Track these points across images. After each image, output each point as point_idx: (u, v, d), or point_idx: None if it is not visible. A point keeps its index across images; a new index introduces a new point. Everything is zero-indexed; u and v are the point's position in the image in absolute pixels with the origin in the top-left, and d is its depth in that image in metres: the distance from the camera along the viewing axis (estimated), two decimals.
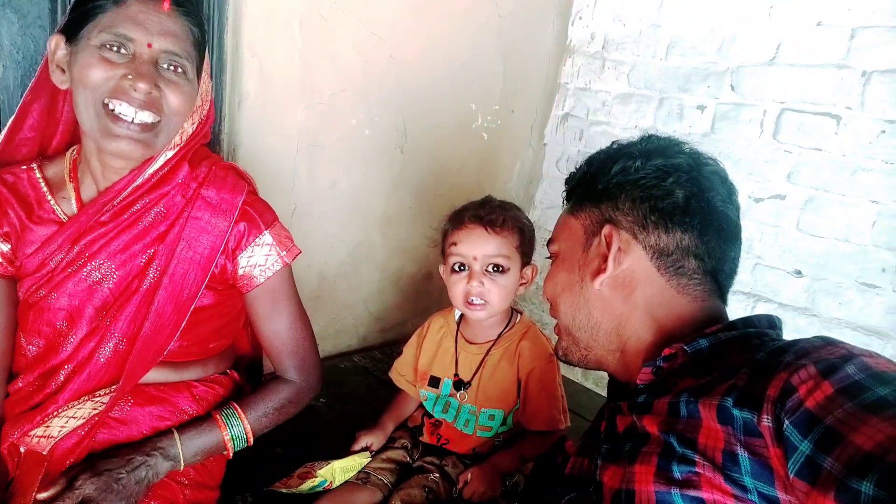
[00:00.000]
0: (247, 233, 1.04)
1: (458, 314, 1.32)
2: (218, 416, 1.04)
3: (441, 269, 1.26)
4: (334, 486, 1.17)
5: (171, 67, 0.91)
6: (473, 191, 2.15)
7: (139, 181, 0.97)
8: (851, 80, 1.51)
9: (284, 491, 1.15)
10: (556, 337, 0.92)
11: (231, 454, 1.05)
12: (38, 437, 0.95)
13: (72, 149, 1.01)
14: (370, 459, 1.23)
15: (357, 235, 1.86)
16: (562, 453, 1.26)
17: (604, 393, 2.04)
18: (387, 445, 1.28)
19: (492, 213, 1.17)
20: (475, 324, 1.26)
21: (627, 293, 0.80)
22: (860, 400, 0.51)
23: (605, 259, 0.80)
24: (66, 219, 0.97)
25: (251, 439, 1.06)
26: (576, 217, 0.87)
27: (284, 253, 1.08)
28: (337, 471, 1.18)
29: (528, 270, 1.23)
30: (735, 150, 1.73)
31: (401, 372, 1.37)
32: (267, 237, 1.06)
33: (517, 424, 1.25)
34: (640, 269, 0.79)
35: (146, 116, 0.89)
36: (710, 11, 1.79)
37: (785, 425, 0.54)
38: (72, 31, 0.90)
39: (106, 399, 0.97)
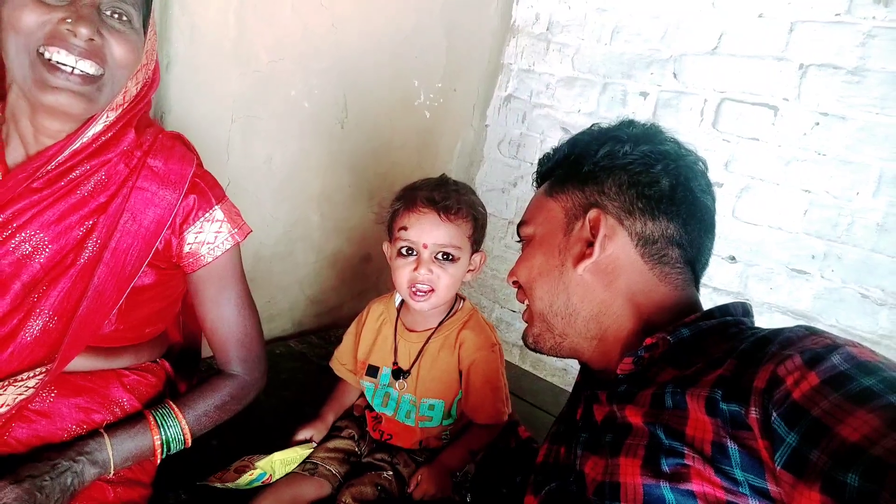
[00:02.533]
0: (196, 207, 0.96)
1: (398, 300, 1.26)
2: (151, 417, 0.95)
3: (385, 246, 1.19)
4: (274, 479, 1.10)
5: (116, 14, 0.81)
6: (414, 170, 2.10)
7: (77, 145, 0.86)
8: (789, 73, 1.56)
9: (220, 486, 1.07)
10: (526, 324, 0.88)
11: (159, 460, 0.96)
12: None
13: None
14: (313, 450, 1.16)
15: (293, 214, 1.76)
16: (515, 438, 1.24)
17: (542, 375, 2.06)
18: (332, 435, 1.21)
19: (447, 199, 1.11)
20: (415, 311, 1.21)
21: (610, 280, 0.78)
22: (846, 391, 0.51)
23: (589, 244, 0.78)
24: None
25: (189, 440, 0.98)
26: (555, 199, 0.83)
27: (236, 230, 1.01)
28: (277, 463, 1.10)
29: (476, 258, 1.18)
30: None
31: (341, 361, 1.30)
32: (218, 212, 0.98)
33: (462, 416, 1.21)
34: (625, 255, 0.77)
35: (88, 67, 0.79)
36: None
37: (773, 417, 0.53)
38: None
39: (32, 383, 0.87)
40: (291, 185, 1.72)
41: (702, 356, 0.67)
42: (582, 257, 0.78)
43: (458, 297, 1.24)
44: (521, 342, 2.11)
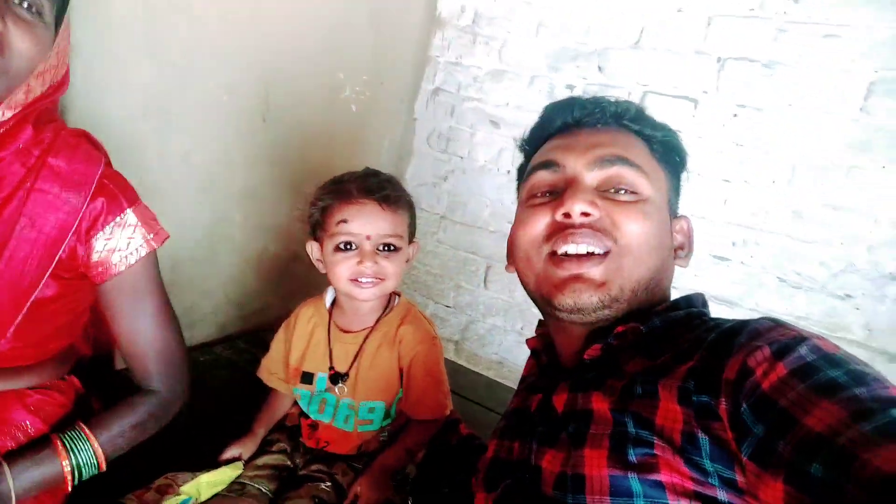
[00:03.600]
0: (105, 210, 0.87)
1: (329, 301, 1.20)
2: (59, 441, 0.86)
3: (311, 247, 1.14)
4: (199, 501, 1.02)
5: (25, 4, 0.72)
6: (342, 166, 2.00)
7: None
8: (708, 66, 1.61)
9: None
10: (592, 277, 0.71)
11: (70, 487, 0.87)
12: None
13: None
14: (243, 470, 1.09)
15: (214, 214, 1.67)
16: (456, 435, 1.22)
17: (478, 370, 2.05)
18: (262, 450, 1.15)
19: (383, 188, 1.07)
20: (349, 309, 1.16)
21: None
22: (812, 382, 0.51)
23: (685, 243, 0.82)
24: None
25: (103, 465, 0.89)
26: (664, 173, 0.79)
27: (151, 236, 0.93)
28: (203, 485, 1.03)
29: (412, 248, 1.15)
30: None
31: (271, 370, 1.23)
32: (130, 216, 0.90)
33: (401, 415, 1.18)
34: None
35: None
36: None
37: (742, 408, 0.53)
38: None
39: None
40: (211, 183, 1.63)
41: (670, 346, 0.67)
42: (679, 258, 0.81)
43: (393, 294, 1.20)
44: (456, 337, 2.11)
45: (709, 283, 1.67)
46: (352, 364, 1.14)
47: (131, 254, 0.91)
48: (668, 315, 0.71)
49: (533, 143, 0.88)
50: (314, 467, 1.11)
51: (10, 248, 0.80)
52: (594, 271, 0.70)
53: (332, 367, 1.15)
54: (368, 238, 1.06)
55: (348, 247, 1.07)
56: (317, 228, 1.13)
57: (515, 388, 1.93)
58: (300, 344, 1.19)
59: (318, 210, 1.11)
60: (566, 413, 0.70)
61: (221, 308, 1.81)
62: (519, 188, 0.88)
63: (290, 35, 1.67)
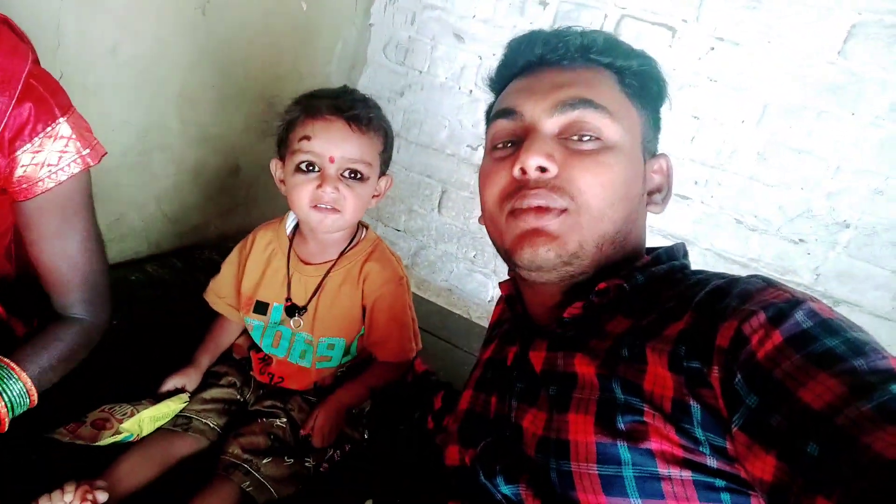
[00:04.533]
0: (33, 119, 0.76)
1: (290, 227, 1.10)
2: None
3: (274, 165, 1.03)
4: (141, 437, 0.95)
5: None
6: (289, 72, 1.86)
7: None
8: None
9: (71, 441, 0.90)
10: (548, 230, 0.67)
11: (6, 426, 0.78)
12: None
13: None
14: (188, 402, 1.01)
15: (147, 118, 1.49)
16: (412, 372, 1.17)
17: (427, 297, 2.00)
18: (210, 383, 1.07)
19: (355, 108, 0.96)
20: (312, 239, 1.07)
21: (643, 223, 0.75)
22: (808, 352, 0.48)
23: (664, 185, 0.75)
24: None
25: (35, 399, 0.82)
26: (637, 110, 0.72)
27: (87, 151, 0.82)
28: (146, 421, 0.95)
29: (383, 182, 1.06)
30: None
31: (219, 294, 1.14)
32: (63, 127, 0.79)
33: (362, 351, 1.12)
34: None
35: None
36: None
37: (736, 378, 0.51)
38: None
39: None
40: (145, 83, 1.44)
41: (654, 303, 0.63)
42: (651, 203, 0.74)
43: (361, 226, 1.11)
44: (405, 262, 2.04)
45: (668, 221, 1.66)
46: (311, 298, 1.06)
47: (62, 170, 0.80)
48: (651, 270, 0.68)
49: (498, 84, 0.82)
50: (267, 403, 1.04)
51: None
52: (551, 225, 0.66)
53: (289, 299, 1.06)
54: (332, 160, 0.96)
55: (310, 168, 0.97)
56: (281, 145, 1.01)
57: (466, 316, 1.91)
58: (255, 270, 1.09)
59: (284, 124, 1.00)
60: (545, 372, 0.67)
61: (154, 222, 1.66)
62: (485, 135, 0.81)
63: None
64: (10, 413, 0.78)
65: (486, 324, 1.89)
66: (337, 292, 1.06)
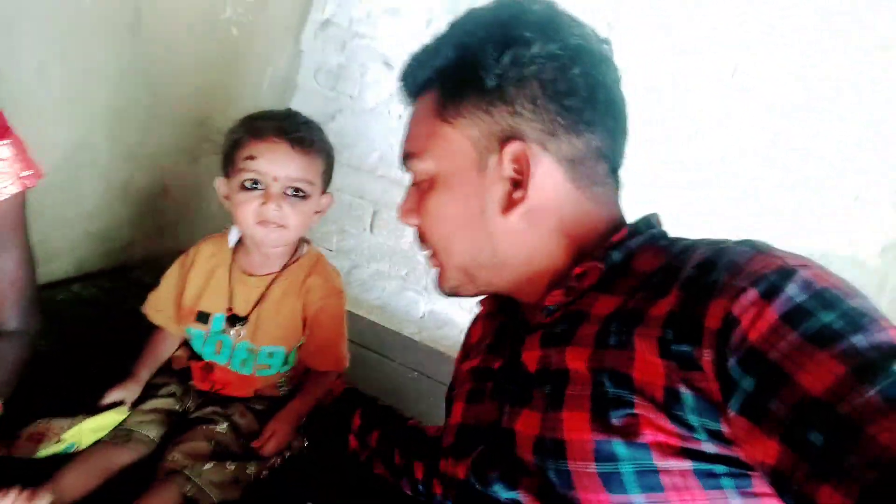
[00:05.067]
0: None
1: (233, 241, 1.14)
2: None
3: (218, 182, 1.07)
4: (81, 448, 0.95)
5: None
6: (220, 94, 1.89)
7: None
8: None
9: (9, 455, 0.90)
10: (436, 270, 0.76)
11: None
12: None
13: None
14: (129, 414, 1.02)
15: (75, 136, 1.48)
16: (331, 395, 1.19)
17: (361, 314, 2.04)
18: (149, 394, 1.07)
19: (299, 130, 1.02)
20: (255, 252, 1.11)
21: (541, 219, 0.67)
22: (804, 329, 0.47)
23: (514, 184, 0.66)
24: None
25: None
26: (453, 125, 0.68)
27: (28, 173, 0.86)
28: (86, 432, 0.95)
29: (324, 199, 1.12)
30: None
31: (158, 307, 1.15)
32: (4, 150, 0.83)
33: (299, 363, 1.16)
34: (553, 187, 0.66)
35: None
36: None
37: (729, 363, 0.49)
38: None
39: None
40: (72, 102, 1.43)
41: (636, 278, 0.62)
42: (511, 203, 0.66)
43: (302, 241, 1.16)
44: None
45: None
46: (253, 308, 1.10)
47: (1, 191, 0.83)
48: (628, 245, 0.66)
49: None
50: (208, 409, 1.06)
51: None
52: (432, 263, 0.75)
53: (230, 309, 1.10)
54: (276, 179, 1.01)
55: (254, 185, 1.02)
56: (226, 163, 1.05)
57: (399, 331, 1.95)
58: (198, 282, 1.12)
59: (229, 143, 1.04)
60: (540, 372, 0.65)
61: (81, 242, 1.63)
62: None
63: None
64: None
65: (417, 338, 1.96)
66: (279, 302, 1.10)
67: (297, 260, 1.14)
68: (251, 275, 1.12)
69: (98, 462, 0.93)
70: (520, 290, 0.73)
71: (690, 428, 0.52)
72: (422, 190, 0.71)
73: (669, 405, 0.53)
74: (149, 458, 0.99)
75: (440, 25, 1.78)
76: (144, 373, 1.09)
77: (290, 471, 1.07)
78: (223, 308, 1.10)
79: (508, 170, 0.66)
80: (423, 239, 0.74)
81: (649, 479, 0.54)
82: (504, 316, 0.81)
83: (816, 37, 1.55)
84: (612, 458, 0.55)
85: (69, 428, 0.94)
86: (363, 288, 2.07)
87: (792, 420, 0.45)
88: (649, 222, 0.69)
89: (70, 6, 1.33)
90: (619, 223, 0.71)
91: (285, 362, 1.13)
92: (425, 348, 1.87)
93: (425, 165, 0.70)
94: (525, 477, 0.62)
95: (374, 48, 1.96)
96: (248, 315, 1.10)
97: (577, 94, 0.64)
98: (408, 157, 0.72)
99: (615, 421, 0.55)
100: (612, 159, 0.70)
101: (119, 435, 0.98)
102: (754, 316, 0.49)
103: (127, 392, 1.04)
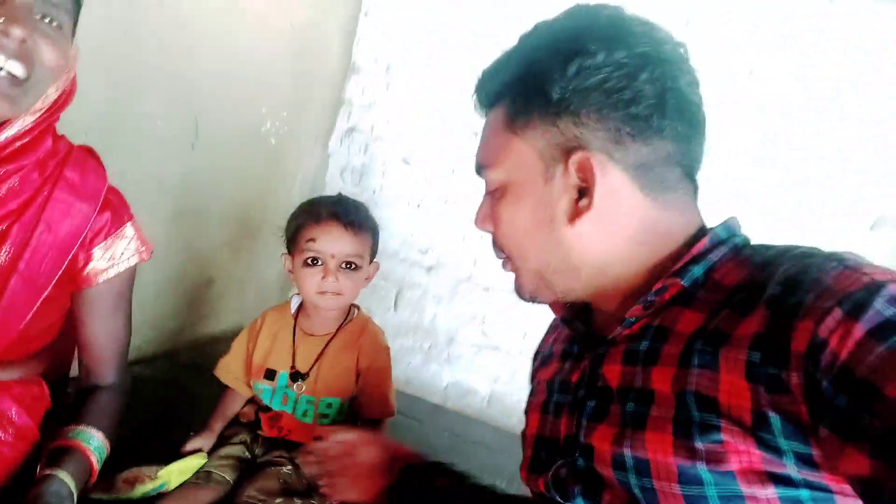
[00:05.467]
0: (109, 223, 0.97)
1: (294, 307, 1.34)
2: (78, 443, 0.93)
3: (285, 259, 1.28)
4: (170, 489, 1.10)
5: (47, 19, 0.80)
6: (259, 194, 2.15)
7: None
8: None
9: (106, 497, 1.05)
10: (514, 275, 0.77)
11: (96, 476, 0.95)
12: None
13: None
14: (207, 460, 1.18)
15: (143, 233, 1.71)
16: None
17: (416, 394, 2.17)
18: (223, 443, 1.24)
19: (349, 213, 1.24)
20: (315, 316, 1.31)
21: (610, 226, 0.67)
22: (891, 343, 0.47)
23: (580, 193, 0.67)
24: None
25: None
26: (521, 136, 0.69)
27: (143, 249, 1.03)
28: (174, 473, 1.12)
29: (371, 268, 1.33)
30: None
31: (228, 369, 1.33)
32: (129, 229, 1.00)
33: (350, 414, 1.33)
34: (622, 195, 0.66)
35: (17, 68, 0.76)
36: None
37: (823, 384, 0.49)
38: None
39: None
40: (142, 203, 1.66)
41: (719, 293, 0.62)
42: (577, 212, 0.67)
43: (353, 306, 1.37)
44: None
45: None
46: (314, 363, 1.28)
47: (123, 263, 0.99)
48: (709, 259, 0.65)
49: None
50: (276, 453, 1.22)
51: (30, 249, 0.86)
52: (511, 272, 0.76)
53: (293, 366, 1.28)
54: (332, 256, 1.23)
55: (315, 262, 1.23)
56: (290, 244, 1.28)
57: (421, 397, 2.08)
58: (265, 343, 1.31)
59: (292, 228, 1.27)
60: (622, 389, 0.65)
61: (137, 329, 1.81)
62: None
63: (220, 72, 1.78)
64: (98, 463, 0.93)
65: (443, 404, 2.10)
66: (336, 357, 1.29)
67: (349, 321, 1.33)
68: (311, 335, 1.31)
69: (185, 499, 1.08)
70: (598, 297, 0.74)
71: (779, 452, 0.53)
72: (494, 198, 0.74)
73: (757, 429, 0.53)
74: (225, 497, 1.14)
75: (455, 124, 2.07)
76: (218, 425, 1.27)
77: None
78: (287, 366, 1.29)
79: (574, 179, 0.67)
80: (497, 245, 0.76)
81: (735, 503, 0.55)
82: (576, 324, 0.81)
83: (815, 38, 1.71)
84: (697, 481, 0.56)
85: (158, 471, 1.10)
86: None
87: (882, 432, 0.45)
88: (730, 229, 0.68)
89: (146, 126, 1.60)
90: (698, 230, 0.70)
91: (340, 412, 1.29)
92: (451, 412, 2.02)
93: (496, 175, 0.72)
94: (607, 491, 0.64)
95: (393, 149, 2.23)
96: (309, 371, 1.28)
97: (645, 100, 0.64)
98: (481, 167, 0.75)
99: (700, 445, 0.56)
100: (685, 164, 0.69)
101: (201, 477, 1.14)
102: (842, 335, 0.49)
103: (204, 441, 1.22)
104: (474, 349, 2.14)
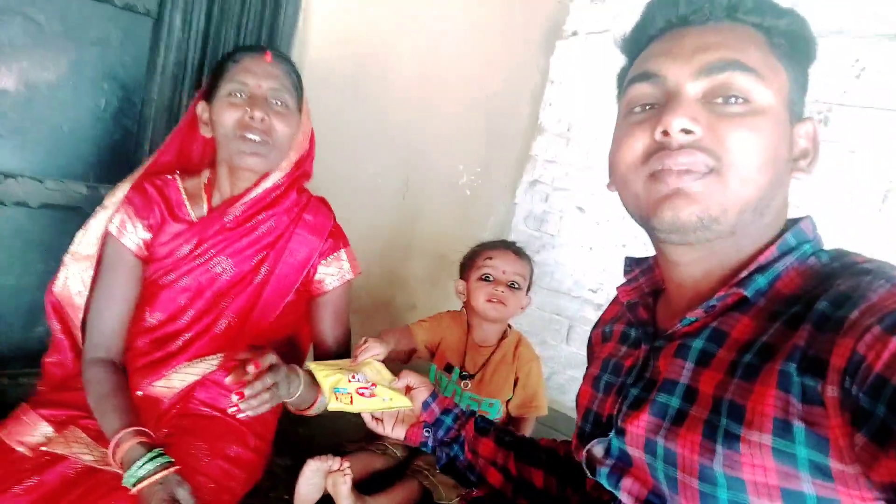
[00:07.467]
0: (332, 248, 1.37)
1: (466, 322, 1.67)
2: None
3: (459, 283, 1.63)
4: (376, 397, 1.13)
5: (278, 102, 1.22)
6: (457, 236, 2.54)
7: (255, 193, 1.26)
8: None
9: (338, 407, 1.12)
10: (680, 203, 0.65)
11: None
12: (160, 387, 1.21)
13: (205, 171, 1.32)
14: (410, 406, 1.18)
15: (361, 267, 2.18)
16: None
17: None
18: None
19: (515, 246, 1.61)
20: (479, 329, 1.62)
21: (785, 196, 0.70)
22: None
23: (810, 150, 0.69)
24: (196, 220, 1.26)
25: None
26: (785, 70, 0.67)
27: (355, 268, 1.41)
28: (378, 393, 1.15)
29: (525, 299, 1.62)
30: None
31: (420, 329, 1.62)
32: (344, 254, 1.39)
33: (507, 413, 1.60)
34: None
35: (261, 137, 1.19)
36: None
37: (860, 397, 0.50)
38: (210, 94, 1.23)
39: (215, 362, 1.26)
40: (360, 243, 2.14)
41: (777, 302, 0.63)
42: (799, 169, 0.69)
43: (508, 325, 1.66)
44: None
45: None
46: (480, 369, 1.59)
47: (339, 278, 1.38)
48: (774, 268, 0.65)
49: (634, 46, 0.76)
50: None
51: (280, 267, 1.30)
52: (695, 186, 0.63)
53: (463, 366, 1.60)
54: (504, 272, 1.55)
55: (488, 278, 1.56)
56: (465, 269, 1.63)
57: None
58: (448, 339, 1.64)
59: (470, 255, 1.63)
60: (669, 381, 0.68)
61: (354, 341, 2.28)
62: (618, 100, 0.79)
63: (426, 137, 2.23)
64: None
65: None
66: (498, 365, 1.58)
67: (507, 337, 1.64)
68: (480, 346, 1.62)
69: (362, 462, 1.39)
70: (709, 274, 0.71)
71: (794, 461, 0.54)
72: (730, 113, 0.64)
73: (776, 437, 0.55)
74: (396, 465, 1.46)
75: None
76: (391, 340, 1.42)
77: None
78: (458, 366, 1.60)
79: (806, 137, 0.70)
80: (706, 152, 0.64)
81: None
82: (639, 311, 0.82)
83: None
84: (712, 481, 0.60)
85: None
86: (560, 391, 2.44)
87: None
88: (801, 234, 0.68)
89: (367, 181, 2.08)
90: (778, 216, 0.70)
91: (498, 411, 1.57)
92: None
93: (760, 89, 0.65)
94: (627, 477, 0.70)
95: (570, 198, 2.49)
96: (475, 374, 1.58)
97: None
98: (734, 66, 0.65)
99: (720, 450, 0.59)
100: None
101: (379, 447, 1.47)
102: (879, 350, 0.50)
103: (381, 347, 1.29)
104: None
